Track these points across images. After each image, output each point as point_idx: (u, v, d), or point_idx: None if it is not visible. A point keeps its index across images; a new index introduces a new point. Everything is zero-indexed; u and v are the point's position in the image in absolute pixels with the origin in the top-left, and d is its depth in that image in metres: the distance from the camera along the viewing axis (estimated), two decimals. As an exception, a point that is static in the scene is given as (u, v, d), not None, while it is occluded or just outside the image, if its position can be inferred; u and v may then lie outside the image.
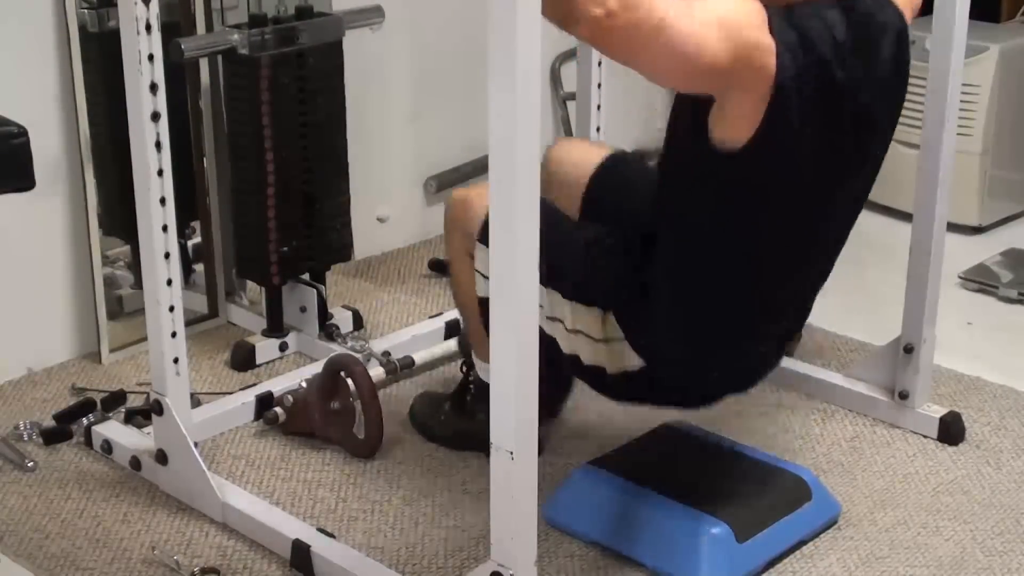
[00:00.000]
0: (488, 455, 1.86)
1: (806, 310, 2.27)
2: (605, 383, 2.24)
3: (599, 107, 3.04)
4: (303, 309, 3.01)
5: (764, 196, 1.96)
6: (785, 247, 2.06)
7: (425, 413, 2.69)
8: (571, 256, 2.20)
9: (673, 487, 2.28)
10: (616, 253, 2.22)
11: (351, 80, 3.00)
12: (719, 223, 2.00)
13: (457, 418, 2.62)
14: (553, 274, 2.05)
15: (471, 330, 2.51)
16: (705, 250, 2.04)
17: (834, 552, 2.32)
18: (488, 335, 1.81)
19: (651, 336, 2.14)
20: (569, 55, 3.66)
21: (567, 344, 2.21)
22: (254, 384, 2.83)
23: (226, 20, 3.08)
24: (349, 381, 2.60)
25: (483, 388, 2.29)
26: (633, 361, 2.16)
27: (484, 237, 2.25)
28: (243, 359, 2.96)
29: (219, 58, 2.89)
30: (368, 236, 3.46)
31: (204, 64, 3.01)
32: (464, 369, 2.63)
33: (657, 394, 2.27)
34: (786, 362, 2.90)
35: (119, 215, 2.92)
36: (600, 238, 2.26)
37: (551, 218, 1.90)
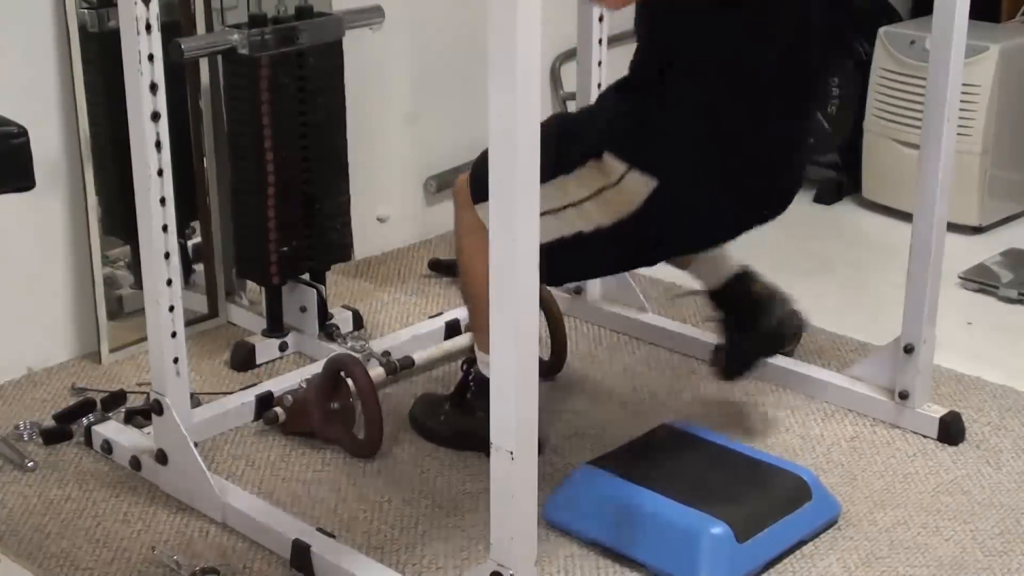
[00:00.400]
0: (488, 454, 1.86)
1: (801, 134, 2.43)
2: (628, 238, 2.29)
3: (599, 107, 3.04)
4: (303, 309, 3.01)
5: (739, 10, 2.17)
6: (761, 53, 2.22)
7: (425, 414, 2.69)
8: (546, 142, 2.36)
9: (673, 487, 2.28)
10: (584, 112, 2.42)
11: (351, 80, 3.00)
12: (704, 34, 2.19)
13: (457, 416, 2.62)
14: (545, 171, 2.17)
15: (476, 319, 2.51)
16: (692, 60, 2.22)
17: (834, 552, 2.32)
18: None
19: (653, 142, 2.23)
20: (569, 55, 3.66)
21: (585, 222, 2.29)
22: (254, 384, 2.83)
23: (226, 20, 3.08)
24: (349, 381, 2.60)
25: (483, 384, 2.30)
26: (644, 186, 2.22)
27: (478, 196, 2.36)
28: (243, 359, 2.96)
29: (219, 58, 2.89)
30: (368, 236, 3.46)
31: (204, 64, 3.01)
32: (464, 367, 2.63)
33: (679, 221, 2.30)
34: (786, 362, 2.92)
35: (119, 215, 2.92)
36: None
37: None
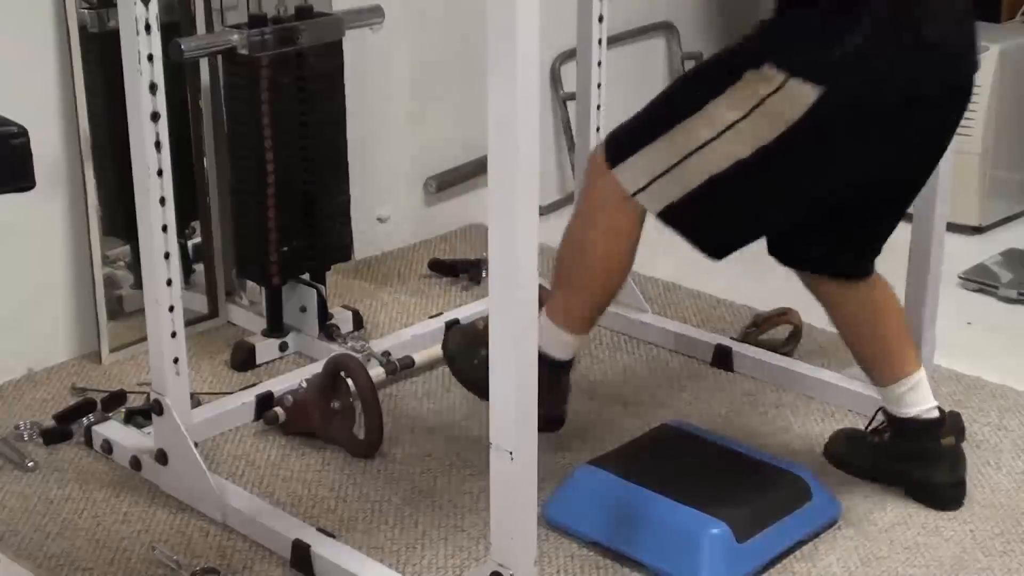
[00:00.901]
0: None
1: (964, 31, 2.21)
2: (792, 159, 2.13)
3: (599, 107, 3.04)
4: (303, 309, 3.01)
5: None
6: None
7: (461, 348, 2.54)
8: (684, 82, 2.30)
9: (673, 487, 2.28)
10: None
11: (351, 80, 3.00)
12: None
13: (487, 370, 2.49)
14: (690, 102, 2.11)
15: (563, 289, 2.31)
16: None
17: (834, 552, 2.32)
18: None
19: (814, 48, 2.09)
20: (569, 55, 3.66)
21: (743, 145, 2.10)
22: (254, 384, 2.83)
23: (226, 20, 3.08)
24: (349, 381, 2.61)
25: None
26: (806, 96, 2.06)
27: (615, 157, 2.20)
28: (243, 359, 2.96)
29: (219, 58, 2.89)
30: (368, 236, 3.46)
31: (204, 64, 3.02)
32: None
33: (840, 134, 2.13)
34: (786, 362, 2.92)
35: (119, 215, 2.92)
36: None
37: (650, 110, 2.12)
